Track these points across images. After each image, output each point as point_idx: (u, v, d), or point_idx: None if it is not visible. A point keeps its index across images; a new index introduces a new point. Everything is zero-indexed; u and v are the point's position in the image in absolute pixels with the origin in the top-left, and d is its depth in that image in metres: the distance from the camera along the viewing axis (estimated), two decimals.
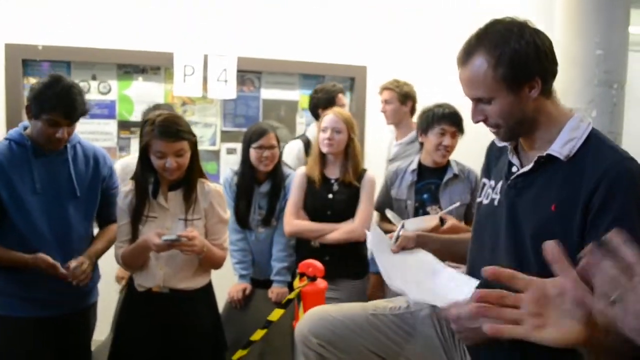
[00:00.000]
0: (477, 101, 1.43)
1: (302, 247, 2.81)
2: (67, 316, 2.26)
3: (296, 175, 2.81)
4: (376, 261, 1.78)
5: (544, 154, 1.40)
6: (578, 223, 1.33)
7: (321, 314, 1.66)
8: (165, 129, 2.11)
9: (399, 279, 1.64)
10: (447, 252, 1.81)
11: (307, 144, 3.38)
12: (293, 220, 2.74)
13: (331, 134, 2.68)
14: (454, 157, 2.80)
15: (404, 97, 3.40)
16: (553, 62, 1.43)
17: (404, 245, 1.79)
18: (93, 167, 2.31)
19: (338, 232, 2.69)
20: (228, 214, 2.39)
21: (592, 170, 1.33)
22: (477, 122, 1.47)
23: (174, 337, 2.23)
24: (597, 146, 1.38)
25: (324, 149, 2.72)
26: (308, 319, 1.67)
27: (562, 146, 1.39)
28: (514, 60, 1.36)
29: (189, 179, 2.23)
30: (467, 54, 1.42)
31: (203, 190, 2.27)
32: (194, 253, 2.15)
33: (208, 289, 2.37)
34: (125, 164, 2.92)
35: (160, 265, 2.22)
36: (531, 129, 1.45)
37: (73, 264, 2.15)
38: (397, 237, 1.80)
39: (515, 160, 1.50)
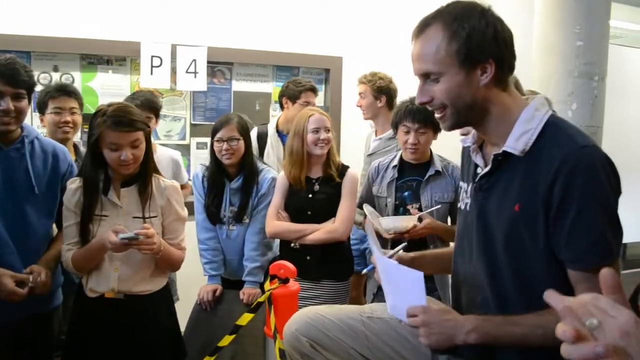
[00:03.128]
0: (424, 78, 1.36)
1: (282, 247, 2.74)
2: (25, 322, 2.10)
3: (279, 177, 2.73)
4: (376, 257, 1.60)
5: (500, 151, 1.32)
6: (542, 221, 1.25)
7: (312, 314, 1.58)
8: (118, 118, 1.99)
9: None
10: (441, 267, 1.71)
11: (263, 135, 3.39)
12: (273, 222, 2.66)
13: (325, 133, 2.62)
14: (440, 152, 2.72)
15: (377, 91, 3.31)
16: (511, 54, 1.35)
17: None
18: (52, 163, 2.17)
19: (319, 232, 2.61)
20: (185, 211, 2.28)
21: (547, 165, 1.24)
22: (421, 103, 1.38)
23: (131, 346, 2.10)
24: (552, 137, 1.28)
25: (319, 151, 2.63)
26: (298, 318, 1.60)
27: (517, 140, 1.30)
28: (470, 36, 1.30)
29: (143, 174, 2.12)
30: (422, 26, 1.36)
31: (159, 186, 2.16)
32: (152, 252, 2.03)
33: (165, 291, 2.26)
34: None
35: (115, 266, 2.09)
36: (482, 120, 1.36)
37: (30, 278, 2.00)
38: (395, 253, 1.65)
39: (479, 160, 1.42)
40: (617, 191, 1.27)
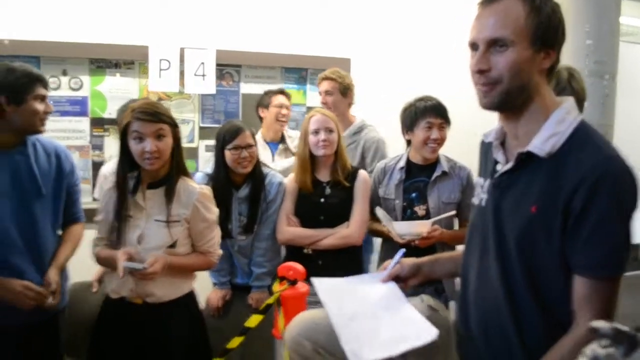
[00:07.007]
0: (492, 44, 1.29)
1: (293, 253, 2.67)
2: (32, 324, 2.11)
3: (287, 182, 2.69)
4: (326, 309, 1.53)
5: (524, 150, 1.30)
6: (559, 226, 1.24)
7: (314, 318, 1.55)
8: (143, 110, 2.02)
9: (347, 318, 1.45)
10: (454, 270, 1.65)
11: None
12: (285, 228, 2.63)
13: (325, 134, 2.57)
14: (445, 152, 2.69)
15: (345, 88, 3.29)
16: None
17: (397, 274, 1.62)
18: (56, 163, 2.18)
19: (333, 237, 2.58)
20: (215, 212, 2.23)
21: (572, 171, 1.23)
22: (478, 70, 1.31)
23: (153, 351, 2.09)
24: (581, 143, 1.26)
25: (320, 152, 2.59)
26: (299, 323, 1.56)
27: (544, 142, 1.28)
28: (550, 17, 1.29)
29: (171, 175, 2.09)
30: None
31: (187, 190, 2.13)
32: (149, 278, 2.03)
33: (188, 298, 2.22)
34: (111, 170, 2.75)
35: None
36: (522, 108, 1.33)
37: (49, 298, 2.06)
38: (395, 264, 1.62)
39: (500, 157, 1.40)
40: (635, 206, 1.26)
